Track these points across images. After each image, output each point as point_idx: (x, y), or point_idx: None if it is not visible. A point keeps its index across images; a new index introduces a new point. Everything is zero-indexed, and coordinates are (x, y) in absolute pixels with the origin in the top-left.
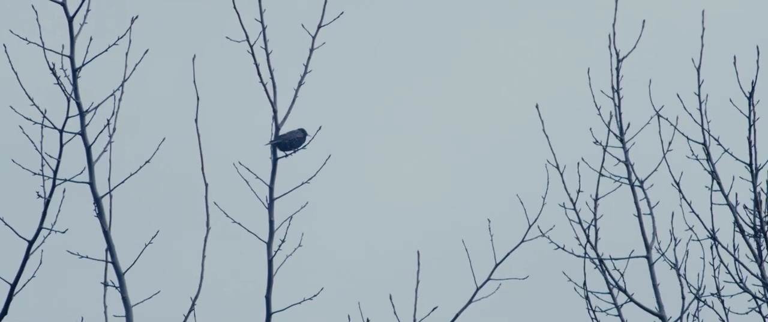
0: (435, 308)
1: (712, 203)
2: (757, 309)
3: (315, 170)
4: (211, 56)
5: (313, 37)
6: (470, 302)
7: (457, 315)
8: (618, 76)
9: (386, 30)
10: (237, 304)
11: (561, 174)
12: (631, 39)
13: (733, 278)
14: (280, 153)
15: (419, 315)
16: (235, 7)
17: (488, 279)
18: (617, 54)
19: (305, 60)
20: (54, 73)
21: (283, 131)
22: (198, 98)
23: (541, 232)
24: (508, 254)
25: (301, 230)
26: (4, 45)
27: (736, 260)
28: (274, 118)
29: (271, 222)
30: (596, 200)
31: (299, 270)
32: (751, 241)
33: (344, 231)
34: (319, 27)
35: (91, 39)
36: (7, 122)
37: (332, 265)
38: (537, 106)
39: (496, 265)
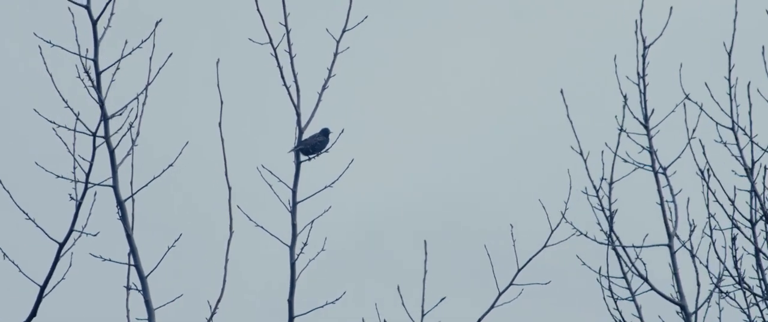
0: (443, 299)
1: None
2: None
3: (338, 174)
4: (235, 60)
5: (338, 42)
6: (492, 307)
7: (479, 320)
8: (644, 62)
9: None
10: (259, 307)
11: (585, 160)
12: (659, 25)
13: (754, 268)
14: (303, 157)
15: (429, 306)
16: (258, 10)
17: (510, 284)
18: (644, 40)
19: (329, 64)
20: (88, 74)
21: (306, 134)
22: (222, 102)
23: (563, 218)
24: (530, 259)
25: (324, 234)
26: (39, 47)
27: (757, 249)
28: (298, 121)
29: (294, 225)
30: (611, 183)
31: (322, 273)
32: None
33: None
34: (344, 31)
35: (125, 42)
36: (36, 125)
37: (355, 267)
38: (562, 92)
39: (519, 269)
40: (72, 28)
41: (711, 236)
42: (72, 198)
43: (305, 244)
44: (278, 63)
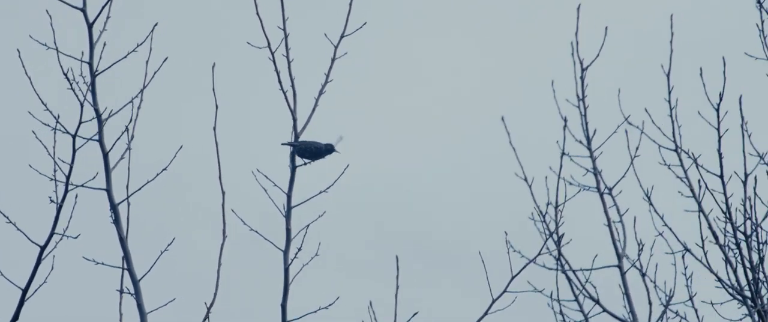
0: (415, 314)
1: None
2: (750, 315)
3: (333, 179)
4: (232, 63)
5: (336, 47)
6: (486, 313)
7: None
8: (583, 84)
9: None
10: (252, 312)
11: (529, 186)
12: (596, 47)
13: (724, 285)
14: (298, 160)
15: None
16: (257, 14)
17: (504, 291)
18: (581, 62)
19: (326, 69)
20: (67, 78)
21: (305, 138)
22: (217, 106)
23: (510, 246)
24: (523, 269)
25: (318, 239)
26: (18, 50)
27: (709, 269)
28: (294, 126)
29: (288, 230)
30: (557, 207)
31: (315, 279)
32: (728, 251)
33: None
34: (342, 36)
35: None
36: (22, 127)
37: (348, 273)
38: (503, 119)
39: (513, 278)
40: (62, 29)
41: (650, 256)
42: (52, 201)
43: (299, 249)
44: (276, 67)
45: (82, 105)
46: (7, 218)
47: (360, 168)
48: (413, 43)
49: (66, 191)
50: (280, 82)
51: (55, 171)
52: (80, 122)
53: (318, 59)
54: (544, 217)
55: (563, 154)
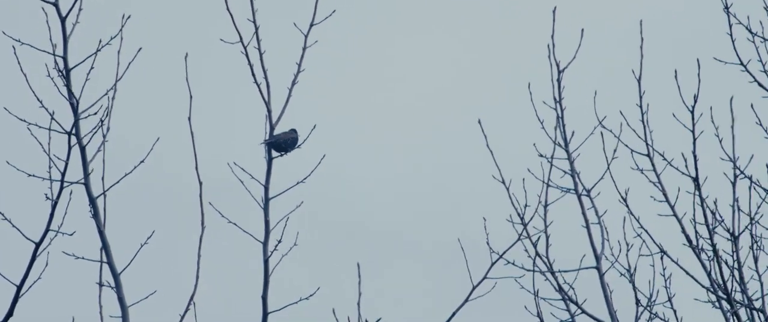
0: (379, 320)
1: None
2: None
3: (310, 170)
4: (206, 56)
5: (306, 36)
6: (466, 300)
7: (452, 314)
8: (560, 87)
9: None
10: (233, 304)
11: (507, 189)
12: (572, 50)
13: (709, 287)
14: (274, 153)
15: None
16: (228, 8)
17: (484, 278)
18: (557, 65)
19: (298, 59)
20: (58, 72)
21: (277, 131)
22: (191, 96)
23: (491, 249)
24: (501, 256)
25: (297, 229)
26: (13, 47)
27: (684, 271)
28: (268, 117)
29: (267, 222)
30: (546, 206)
31: (295, 269)
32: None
33: (339, 228)
34: (311, 26)
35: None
36: (9, 124)
37: (329, 263)
38: (479, 121)
39: (492, 264)
40: (39, 25)
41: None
42: (48, 198)
43: (279, 241)
44: (248, 60)
45: (70, 101)
46: (2, 214)
47: (335, 161)
48: (393, 39)
49: (61, 188)
50: (253, 74)
51: (49, 169)
52: (77, 120)
53: (293, 50)
54: (522, 218)
55: (541, 156)
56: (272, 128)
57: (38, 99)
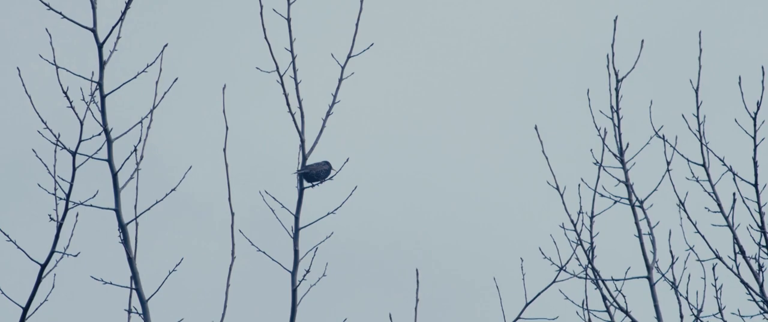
0: None
1: (733, 225)
2: None
3: (341, 201)
4: (241, 84)
5: (343, 68)
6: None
7: None
8: (617, 96)
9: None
10: None
11: (561, 195)
12: (632, 59)
13: (753, 296)
14: (306, 183)
15: None
16: (265, 37)
17: (518, 318)
18: (616, 74)
19: (334, 89)
20: (67, 97)
21: (310, 161)
22: (227, 128)
23: (542, 254)
24: (538, 295)
25: (326, 260)
26: (18, 68)
27: (740, 279)
28: (302, 147)
29: (296, 251)
30: (592, 217)
31: (323, 299)
32: (752, 263)
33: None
34: (349, 57)
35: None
36: (22, 145)
37: (355, 292)
38: (536, 128)
39: (527, 304)
40: (72, 49)
41: (683, 269)
42: (52, 219)
43: (307, 271)
44: (284, 90)
45: (81, 123)
46: (7, 236)
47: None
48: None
49: (66, 209)
50: (288, 104)
51: (55, 189)
52: (80, 140)
53: (328, 79)
54: (575, 226)
55: (599, 165)
56: (305, 158)
57: (42, 120)
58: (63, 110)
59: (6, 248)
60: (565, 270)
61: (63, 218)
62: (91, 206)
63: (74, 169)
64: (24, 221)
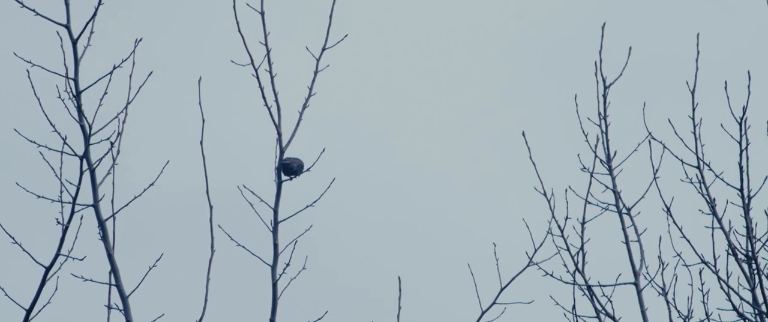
0: None
1: (712, 227)
2: None
3: (319, 193)
4: (216, 79)
5: (318, 60)
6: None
7: None
8: (605, 102)
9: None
10: None
11: (548, 201)
12: (619, 65)
13: (732, 303)
14: (284, 177)
15: None
16: (239, 31)
17: (493, 303)
18: (604, 80)
19: (309, 83)
20: (68, 94)
21: (287, 155)
22: (204, 120)
23: (530, 260)
24: (512, 279)
25: (306, 253)
26: (27, 71)
27: (728, 285)
28: (279, 141)
29: (276, 245)
30: (583, 223)
31: (304, 293)
32: (744, 266)
33: (350, 253)
34: (324, 49)
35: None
36: (18, 147)
37: (337, 287)
38: (523, 134)
39: (502, 289)
40: (45, 45)
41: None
42: (59, 222)
43: (288, 264)
44: (259, 84)
45: (80, 124)
46: (12, 238)
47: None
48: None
49: (72, 213)
50: (264, 98)
51: (61, 193)
52: (87, 143)
53: (304, 72)
54: (562, 232)
55: (590, 173)
56: (282, 152)
57: (51, 123)
58: (39, 110)
59: (10, 250)
60: (551, 275)
61: (69, 221)
62: (82, 206)
63: (81, 172)
64: (28, 223)
